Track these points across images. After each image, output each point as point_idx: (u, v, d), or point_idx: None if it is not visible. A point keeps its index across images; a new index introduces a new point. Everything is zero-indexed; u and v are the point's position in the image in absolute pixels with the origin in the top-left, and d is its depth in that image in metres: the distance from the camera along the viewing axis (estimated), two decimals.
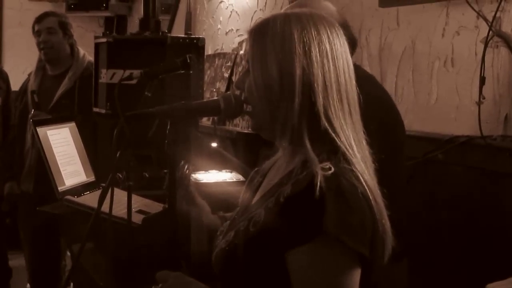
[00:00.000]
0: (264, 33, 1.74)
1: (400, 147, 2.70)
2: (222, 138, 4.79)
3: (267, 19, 1.78)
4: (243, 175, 3.51)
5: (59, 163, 3.45)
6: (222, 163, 3.68)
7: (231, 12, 5.62)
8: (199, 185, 3.34)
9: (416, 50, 3.47)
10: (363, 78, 2.68)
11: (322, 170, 1.61)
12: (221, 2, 5.80)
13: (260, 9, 5.10)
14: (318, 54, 1.69)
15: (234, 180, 3.48)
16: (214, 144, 4.69)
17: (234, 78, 5.25)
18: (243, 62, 1.42)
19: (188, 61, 2.86)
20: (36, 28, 4.80)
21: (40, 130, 3.44)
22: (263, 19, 1.81)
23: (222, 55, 5.63)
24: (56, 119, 3.77)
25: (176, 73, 2.93)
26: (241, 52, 5.21)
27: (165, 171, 3.63)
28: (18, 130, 4.85)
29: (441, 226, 3.21)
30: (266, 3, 5.01)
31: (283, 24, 1.72)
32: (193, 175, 3.54)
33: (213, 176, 3.55)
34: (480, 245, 2.98)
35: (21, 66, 7.16)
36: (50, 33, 4.75)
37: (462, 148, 3.09)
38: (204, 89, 3.92)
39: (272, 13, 4.70)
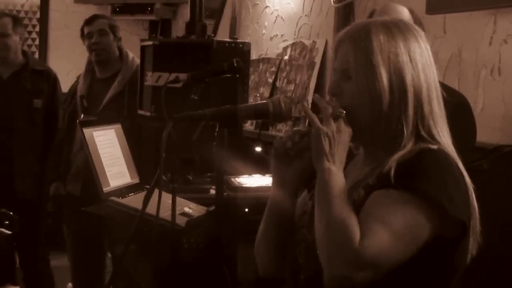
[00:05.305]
0: (368, 42, 1.79)
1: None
2: (265, 143, 4.79)
3: (364, 26, 1.83)
4: None
5: (104, 164, 3.47)
6: (265, 168, 3.68)
7: (276, 17, 5.63)
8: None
9: (462, 58, 3.45)
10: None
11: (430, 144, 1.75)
12: (266, 7, 5.82)
13: (306, 15, 5.10)
14: (422, 62, 1.80)
15: None
16: (258, 149, 4.70)
17: (278, 84, 5.26)
18: (338, 66, 1.41)
19: (235, 65, 2.88)
20: (87, 30, 4.76)
21: (87, 131, 3.47)
22: (356, 26, 1.86)
23: (266, 60, 5.65)
24: (103, 121, 3.80)
25: (222, 77, 2.95)
26: (286, 57, 5.22)
27: (209, 174, 3.67)
28: (67, 133, 4.85)
29: (484, 237, 3.17)
30: (311, 9, 5.01)
31: (386, 33, 1.80)
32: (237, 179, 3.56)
33: (256, 181, 3.56)
34: None
35: (66, 68, 7.22)
36: (102, 35, 4.71)
37: (507, 157, 3.06)
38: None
39: (317, 19, 4.69)
